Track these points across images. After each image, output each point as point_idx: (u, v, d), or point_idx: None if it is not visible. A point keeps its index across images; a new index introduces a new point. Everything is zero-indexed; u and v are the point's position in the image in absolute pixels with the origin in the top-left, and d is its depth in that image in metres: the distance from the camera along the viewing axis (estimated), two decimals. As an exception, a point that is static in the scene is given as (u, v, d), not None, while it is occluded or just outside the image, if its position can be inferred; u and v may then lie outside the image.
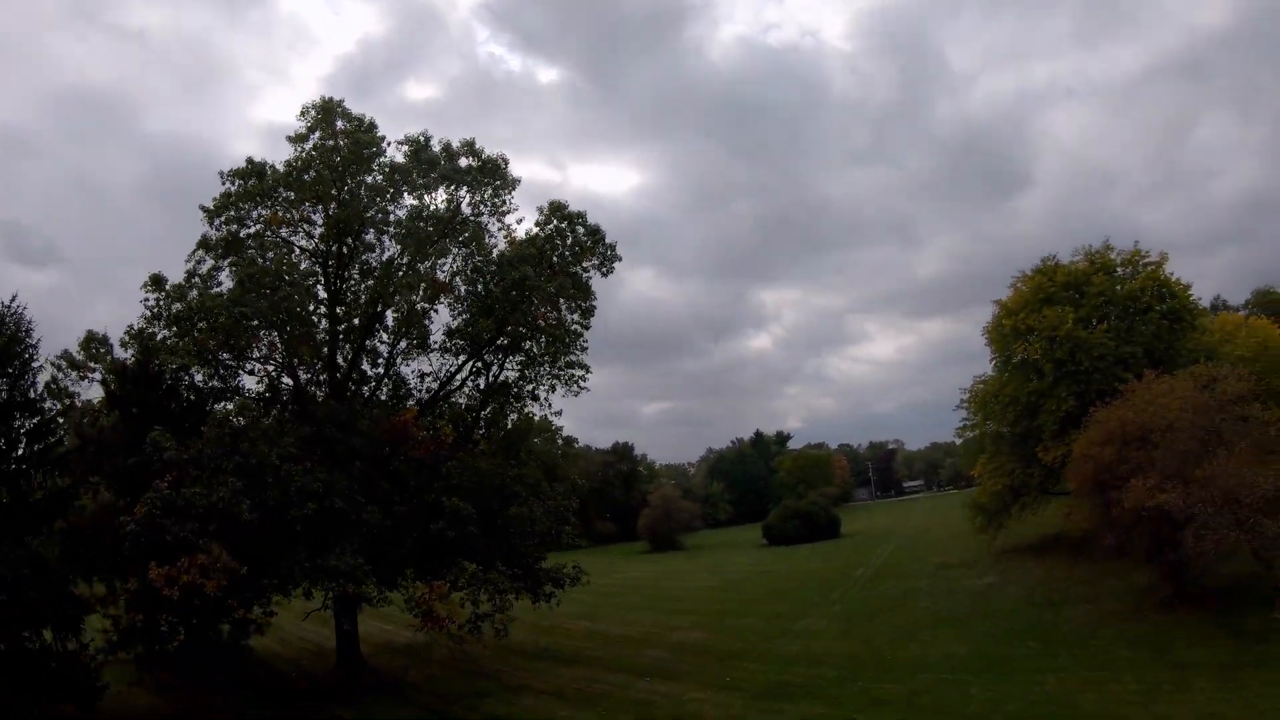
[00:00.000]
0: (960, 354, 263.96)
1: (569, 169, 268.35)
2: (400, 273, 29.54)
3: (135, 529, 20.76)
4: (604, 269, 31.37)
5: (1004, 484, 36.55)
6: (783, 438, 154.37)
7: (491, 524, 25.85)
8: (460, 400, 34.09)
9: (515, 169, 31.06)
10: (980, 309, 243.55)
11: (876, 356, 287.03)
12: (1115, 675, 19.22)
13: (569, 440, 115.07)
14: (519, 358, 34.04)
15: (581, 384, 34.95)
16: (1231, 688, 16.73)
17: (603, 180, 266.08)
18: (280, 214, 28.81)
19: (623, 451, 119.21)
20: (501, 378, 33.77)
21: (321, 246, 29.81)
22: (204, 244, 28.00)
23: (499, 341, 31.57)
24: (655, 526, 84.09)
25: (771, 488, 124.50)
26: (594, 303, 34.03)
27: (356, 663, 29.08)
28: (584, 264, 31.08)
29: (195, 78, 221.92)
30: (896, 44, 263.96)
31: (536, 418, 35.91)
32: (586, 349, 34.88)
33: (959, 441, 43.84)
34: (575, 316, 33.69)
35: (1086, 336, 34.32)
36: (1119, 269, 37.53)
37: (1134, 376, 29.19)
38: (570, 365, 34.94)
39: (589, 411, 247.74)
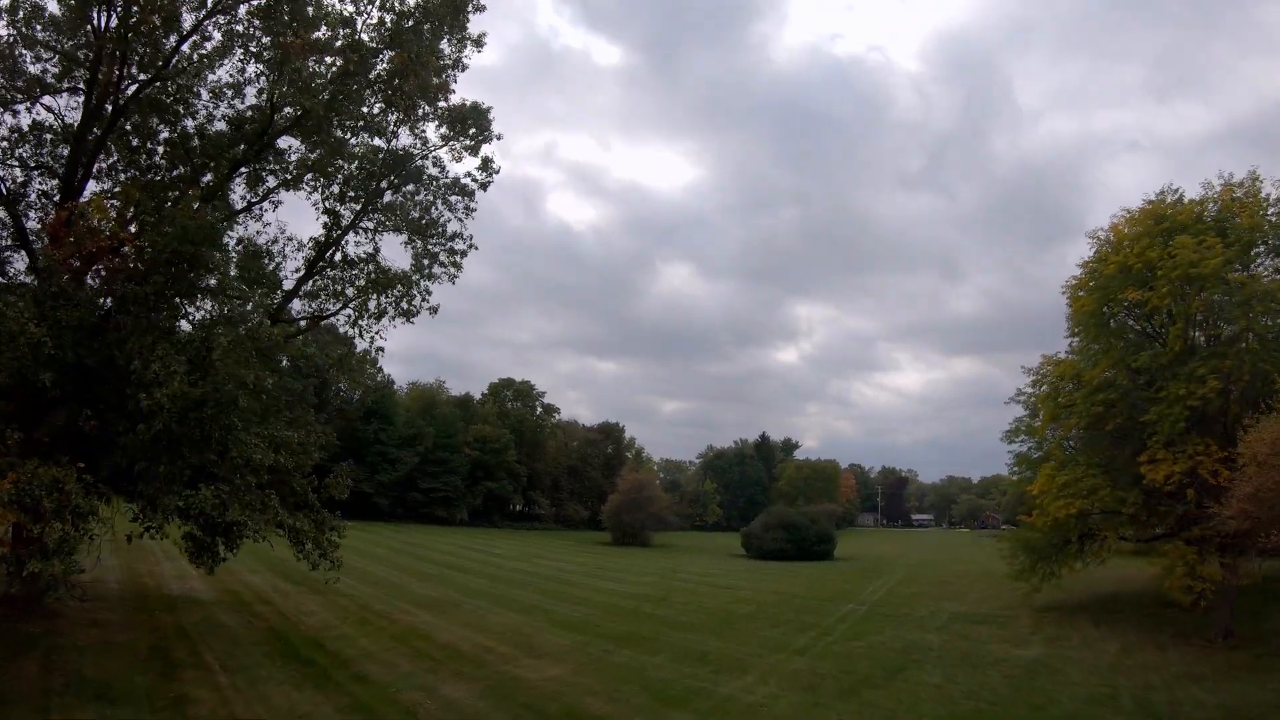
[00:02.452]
0: (988, 397, 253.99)
1: (616, 150, 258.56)
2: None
3: None
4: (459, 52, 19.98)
5: (1078, 508, 23.87)
6: (790, 445, 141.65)
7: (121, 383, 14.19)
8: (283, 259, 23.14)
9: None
10: (1015, 355, 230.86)
11: (903, 387, 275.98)
12: None
13: (549, 407, 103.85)
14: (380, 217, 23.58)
15: (456, 267, 24.18)
16: None
17: (649, 169, 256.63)
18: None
19: (610, 430, 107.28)
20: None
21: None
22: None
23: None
24: (621, 515, 71.87)
25: (769, 496, 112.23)
26: (485, 140, 23.02)
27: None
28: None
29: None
30: (964, 71, 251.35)
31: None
32: (474, 210, 24.23)
33: (1009, 447, 31.13)
34: (462, 171, 23.11)
35: (1247, 282, 21.65)
36: (1271, 209, 24.41)
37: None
38: (451, 239, 24.17)
39: (607, 401, 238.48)
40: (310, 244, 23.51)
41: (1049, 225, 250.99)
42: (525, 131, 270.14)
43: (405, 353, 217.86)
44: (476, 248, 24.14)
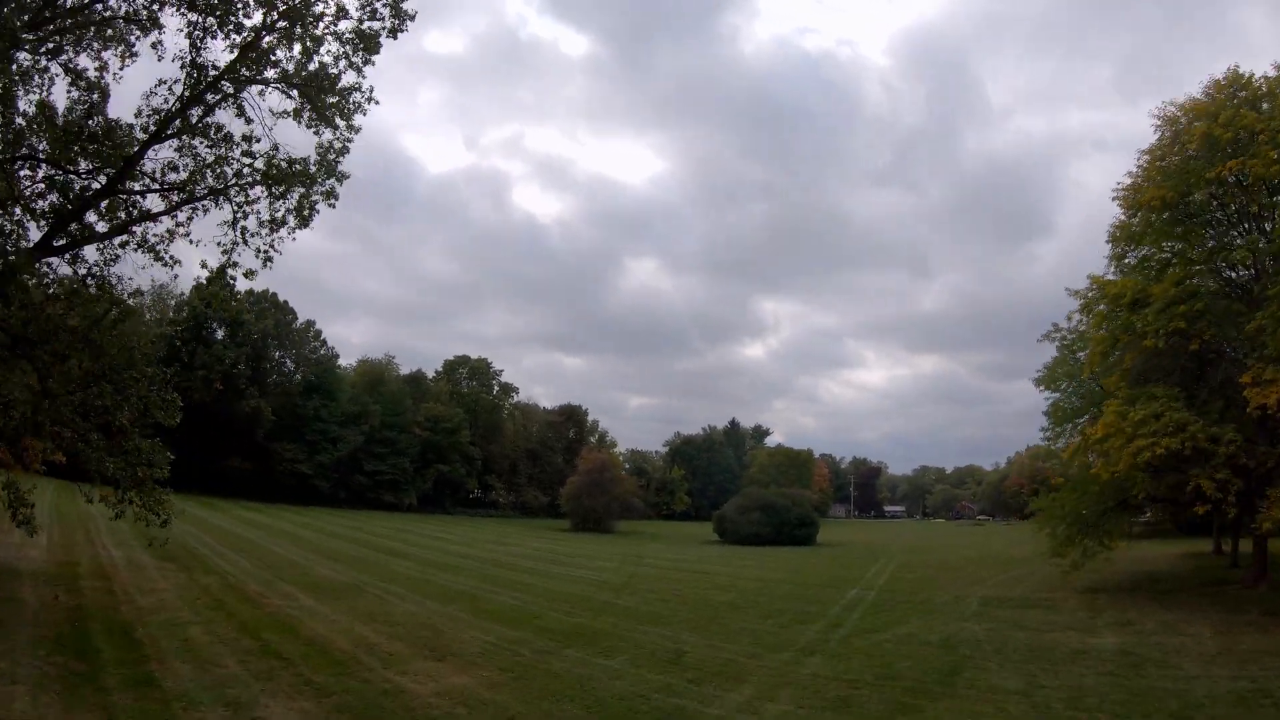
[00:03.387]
0: (951, 394, 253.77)
1: (586, 144, 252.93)
2: None
3: None
4: None
5: (1164, 448, 18.17)
6: (761, 431, 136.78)
7: None
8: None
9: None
10: (979, 353, 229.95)
11: (868, 384, 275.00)
12: None
13: (506, 387, 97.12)
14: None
15: (353, 129, 18.26)
16: None
17: (617, 161, 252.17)
18: None
19: (572, 413, 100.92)
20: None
21: None
22: None
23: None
24: (582, 498, 65.64)
25: (740, 484, 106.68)
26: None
27: None
28: None
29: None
30: (935, 67, 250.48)
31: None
32: (374, 61, 18.30)
33: (1044, 392, 25.78)
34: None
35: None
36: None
37: None
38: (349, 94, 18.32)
39: (573, 395, 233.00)
40: (164, 90, 17.06)
41: (1017, 223, 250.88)
42: (493, 123, 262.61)
43: (370, 345, 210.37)
44: (378, 102, 17.99)
